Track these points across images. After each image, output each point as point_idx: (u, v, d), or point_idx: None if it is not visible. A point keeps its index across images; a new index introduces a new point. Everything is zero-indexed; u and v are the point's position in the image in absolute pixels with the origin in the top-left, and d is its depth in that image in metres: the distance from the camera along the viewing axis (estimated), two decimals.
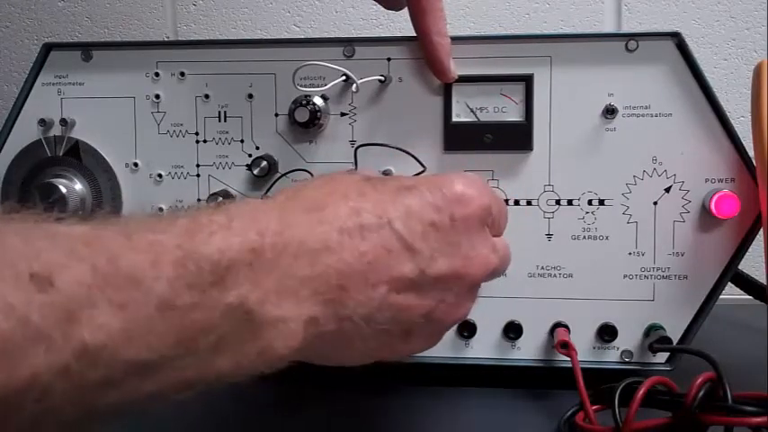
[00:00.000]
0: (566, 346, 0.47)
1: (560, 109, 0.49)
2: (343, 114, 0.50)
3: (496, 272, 0.38)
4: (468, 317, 0.49)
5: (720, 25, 0.79)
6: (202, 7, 0.84)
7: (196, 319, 0.27)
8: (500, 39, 0.49)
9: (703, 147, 0.48)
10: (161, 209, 0.52)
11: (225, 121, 0.51)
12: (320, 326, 0.31)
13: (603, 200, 0.49)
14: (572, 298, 0.50)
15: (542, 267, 0.50)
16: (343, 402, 0.49)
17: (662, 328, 0.49)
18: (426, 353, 0.50)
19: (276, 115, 0.51)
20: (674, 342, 0.49)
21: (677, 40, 0.48)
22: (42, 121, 0.52)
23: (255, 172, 0.50)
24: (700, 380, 0.38)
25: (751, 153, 0.47)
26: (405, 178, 0.36)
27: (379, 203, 0.33)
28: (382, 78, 0.49)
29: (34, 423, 0.24)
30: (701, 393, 0.37)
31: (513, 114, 0.49)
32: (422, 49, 0.48)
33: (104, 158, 0.52)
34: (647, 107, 0.48)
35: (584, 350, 0.50)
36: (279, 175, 0.50)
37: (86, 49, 0.52)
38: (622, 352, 0.50)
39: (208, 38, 0.84)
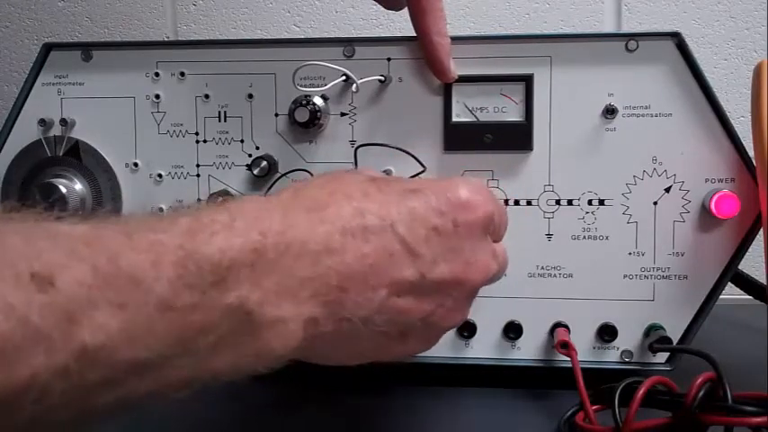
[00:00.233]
0: (566, 346, 0.47)
1: (560, 109, 0.49)
2: (343, 114, 0.50)
3: (495, 277, 0.39)
4: (468, 317, 0.49)
5: (720, 25, 0.79)
6: (202, 7, 0.84)
7: (196, 319, 0.27)
8: (500, 39, 0.49)
9: (703, 147, 0.48)
10: (161, 209, 0.52)
11: (225, 121, 0.51)
12: (319, 326, 0.31)
13: (603, 200, 0.49)
14: (572, 298, 0.50)
15: (542, 267, 0.50)
16: (343, 402, 0.49)
17: (662, 328, 0.49)
18: (427, 353, 0.50)
19: (276, 115, 0.51)
20: (674, 342, 0.49)
21: (677, 40, 0.48)
22: (42, 121, 0.52)
23: (255, 172, 0.50)
24: (700, 380, 0.38)
25: (751, 153, 0.47)
26: (410, 181, 0.36)
27: (384, 205, 0.33)
28: (382, 78, 0.49)
29: (33, 423, 0.24)
30: (701, 393, 0.37)
31: (513, 114, 0.49)
32: (422, 49, 0.48)
33: (104, 158, 0.52)
34: (647, 107, 0.48)
35: (584, 350, 0.50)
36: (279, 175, 0.50)
37: (86, 49, 0.52)
38: (622, 352, 0.50)
39: (208, 38, 0.84)
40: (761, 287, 0.56)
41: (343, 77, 0.48)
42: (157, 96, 0.51)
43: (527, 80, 0.48)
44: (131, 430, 0.34)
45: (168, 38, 0.85)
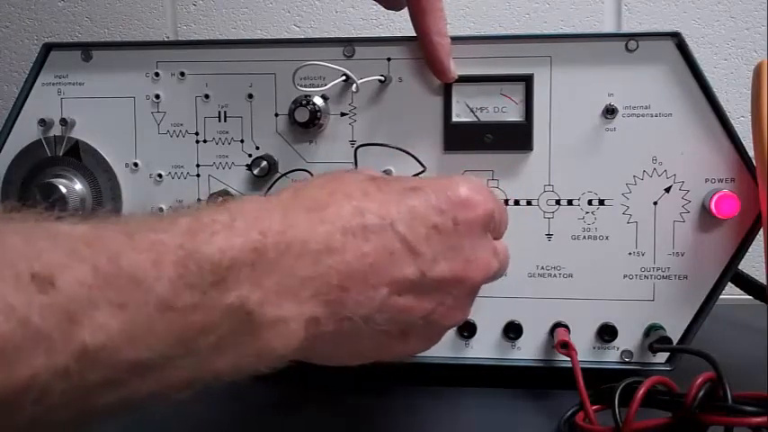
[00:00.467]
0: (566, 346, 0.47)
1: (560, 109, 0.49)
2: (343, 114, 0.50)
3: (496, 275, 0.38)
4: (469, 317, 0.49)
5: (720, 25, 0.79)
6: (202, 7, 0.84)
7: (196, 319, 0.27)
8: (500, 39, 0.49)
9: (703, 147, 0.48)
10: (161, 209, 0.52)
11: (225, 121, 0.51)
12: (320, 326, 0.31)
13: (603, 200, 0.49)
14: (572, 298, 0.50)
15: (542, 267, 0.50)
16: (343, 402, 0.49)
17: (662, 328, 0.49)
18: (427, 353, 0.50)
19: (276, 115, 0.51)
20: (674, 342, 0.49)
21: (677, 40, 0.48)
22: (42, 121, 0.52)
23: (255, 172, 0.50)
24: (700, 380, 0.38)
25: (751, 153, 0.47)
26: (409, 179, 0.36)
27: (383, 204, 0.33)
28: (382, 78, 0.49)
29: (33, 423, 0.23)
30: (701, 393, 0.37)
31: (513, 114, 0.49)
32: (422, 49, 0.48)
33: (104, 158, 0.52)
34: (647, 107, 0.48)
35: (584, 350, 0.50)
36: (279, 175, 0.50)
37: (86, 49, 0.52)
38: (622, 352, 0.50)
39: (208, 38, 0.84)
40: (761, 287, 0.56)
41: (343, 77, 0.48)
42: (157, 96, 0.51)
43: (527, 80, 0.48)
44: (132, 430, 0.34)
45: (168, 38, 0.85)
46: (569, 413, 0.43)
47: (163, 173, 0.52)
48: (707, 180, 0.48)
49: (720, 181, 0.48)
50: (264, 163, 0.50)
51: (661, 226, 0.49)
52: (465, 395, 0.50)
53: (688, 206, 0.48)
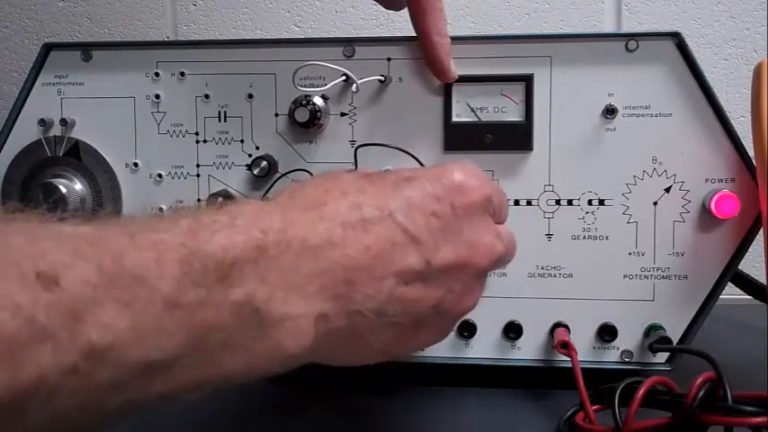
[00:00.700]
0: (566, 346, 0.47)
1: (560, 109, 0.49)
2: (343, 114, 0.50)
3: (502, 259, 0.38)
4: (468, 317, 0.49)
5: (720, 25, 0.79)
6: (202, 7, 0.84)
7: (203, 317, 0.27)
8: (500, 39, 0.49)
9: (703, 147, 0.48)
10: (161, 209, 0.52)
11: (225, 121, 0.51)
12: (330, 322, 0.31)
13: (603, 200, 0.49)
14: (572, 298, 0.50)
15: (542, 267, 0.50)
16: (344, 402, 0.49)
17: (662, 328, 0.49)
18: (426, 352, 0.50)
19: (276, 115, 0.51)
20: (674, 342, 0.49)
21: (677, 40, 0.48)
22: (42, 121, 0.52)
23: (255, 172, 0.50)
24: (700, 380, 0.38)
25: (751, 153, 0.47)
26: (403, 171, 0.36)
27: (380, 197, 0.33)
28: (382, 78, 0.49)
29: (43, 426, 0.23)
30: (701, 393, 0.37)
31: (513, 114, 0.49)
32: (422, 49, 0.48)
33: (104, 158, 0.52)
34: (647, 107, 0.48)
35: (584, 350, 0.50)
36: (279, 175, 0.50)
37: (86, 49, 0.52)
38: (622, 352, 0.50)
39: (208, 38, 0.84)
40: (761, 287, 0.56)
41: (343, 77, 0.48)
42: (157, 96, 0.51)
43: (527, 80, 0.48)
44: (134, 429, 0.34)
45: (168, 38, 0.85)
46: (569, 413, 0.43)
47: (163, 173, 0.52)
48: (707, 180, 0.48)
49: (720, 181, 0.48)
50: (264, 163, 0.50)
51: (661, 226, 0.49)
52: (465, 395, 0.50)
53: (688, 206, 0.48)
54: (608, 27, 0.80)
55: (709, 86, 0.47)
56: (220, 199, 0.50)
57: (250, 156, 0.51)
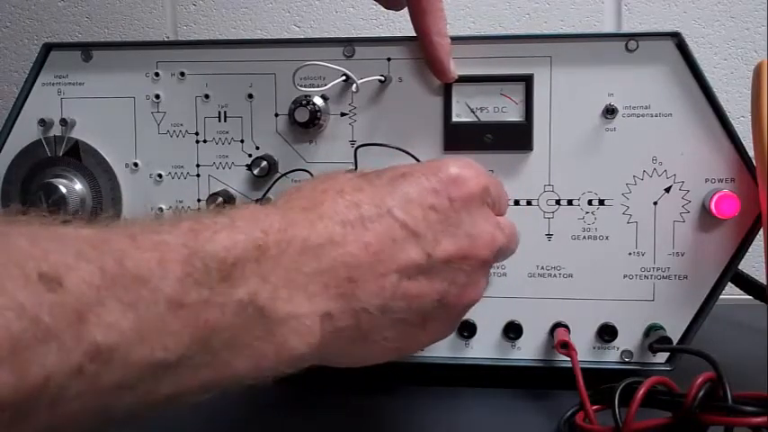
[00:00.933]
0: (566, 346, 0.47)
1: (560, 109, 0.49)
2: (343, 114, 0.50)
3: (504, 250, 0.38)
4: (468, 317, 0.49)
5: (720, 25, 0.79)
6: (202, 7, 0.84)
7: (207, 317, 0.27)
8: (500, 39, 0.49)
9: (703, 147, 0.48)
10: (161, 209, 0.52)
11: (225, 121, 0.51)
12: (336, 321, 0.31)
13: (603, 200, 0.49)
14: (572, 298, 0.50)
15: (542, 267, 0.50)
16: (344, 402, 0.49)
17: (662, 328, 0.49)
18: (426, 352, 0.50)
19: (276, 115, 0.51)
20: (674, 342, 0.49)
21: (677, 40, 0.48)
22: (42, 121, 0.52)
23: (255, 172, 0.50)
24: (700, 380, 0.38)
25: (751, 153, 0.47)
26: (399, 167, 0.36)
27: (377, 195, 0.33)
28: (382, 78, 0.49)
29: (51, 428, 0.23)
30: (701, 393, 0.37)
31: (513, 114, 0.49)
32: (422, 49, 0.48)
33: (104, 158, 0.52)
34: (647, 107, 0.48)
35: (584, 350, 0.50)
36: (279, 175, 0.50)
37: (86, 49, 0.52)
38: (622, 352, 0.50)
39: (208, 38, 0.84)
40: (761, 287, 0.56)
41: (343, 77, 0.48)
42: (157, 96, 0.51)
43: (527, 80, 0.48)
44: (133, 428, 0.34)
45: (168, 38, 0.85)
46: (569, 413, 0.43)
47: (163, 173, 0.52)
48: (707, 180, 0.48)
49: (720, 181, 0.48)
50: (264, 163, 0.50)
51: (661, 226, 0.49)
52: (465, 395, 0.50)
53: (688, 206, 0.48)
54: (608, 27, 0.80)
55: (709, 86, 0.47)
56: (220, 199, 0.50)
57: (250, 156, 0.51)
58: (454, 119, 0.49)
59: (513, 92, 0.49)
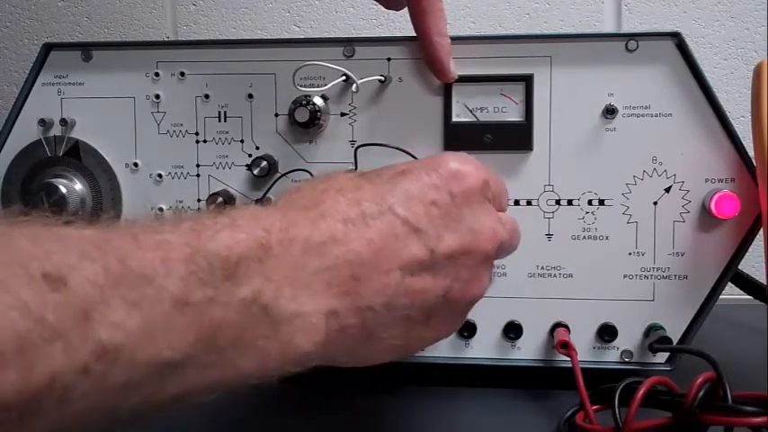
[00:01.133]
0: (566, 346, 0.47)
1: (560, 109, 0.49)
2: (343, 114, 0.50)
3: (506, 245, 0.38)
4: (468, 317, 0.49)
5: (720, 25, 0.79)
6: (202, 7, 0.84)
7: (212, 315, 0.27)
8: (500, 39, 0.49)
9: (703, 147, 0.48)
10: (161, 209, 0.52)
11: (225, 121, 0.51)
12: (341, 319, 0.31)
13: (603, 200, 0.49)
14: (572, 298, 0.50)
15: (542, 267, 0.50)
16: (344, 402, 0.49)
17: (662, 328, 0.49)
18: (426, 352, 0.50)
19: (276, 115, 0.51)
20: (674, 342, 0.49)
21: (677, 40, 0.48)
22: (42, 121, 0.52)
23: (255, 172, 0.50)
24: (700, 380, 0.38)
25: (751, 153, 0.47)
26: (398, 165, 0.36)
27: (378, 192, 0.34)
28: (382, 78, 0.49)
29: (55, 430, 0.23)
30: (701, 393, 0.37)
31: (513, 114, 0.49)
32: (422, 49, 0.48)
33: (104, 158, 0.52)
34: (647, 107, 0.48)
35: (584, 350, 0.50)
36: (279, 175, 0.50)
37: (86, 49, 0.52)
38: (622, 352, 0.50)
39: (208, 38, 0.84)
40: (761, 287, 0.56)
41: (343, 77, 0.48)
42: (157, 96, 0.51)
43: (527, 80, 0.48)
44: (138, 428, 0.34)
45: (168, 38, 0.85)
46: (569, 413, 0.43)
47: (163, 173, 0.52)
48: (707, 180, 0.48)
49: (720, 181, 0.48)
50: (264, 163, 0.50)
51: (661, 226, 0.49)
52: (465, 395, 0.50)
53: (688, 206, 0.48)
54: (608, 27, 0.80)
55: (709, 86, 0.47)
56: (220, 199, 0.50)
57: (250, 156, 0.51)
58: (454, 119, 0.49)
59: (513, 92, 0.49)
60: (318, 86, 0.48)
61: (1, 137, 0.52)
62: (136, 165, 0.52)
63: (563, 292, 0.50)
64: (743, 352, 0.55)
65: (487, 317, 0.50)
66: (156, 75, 0.51)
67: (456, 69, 0.48)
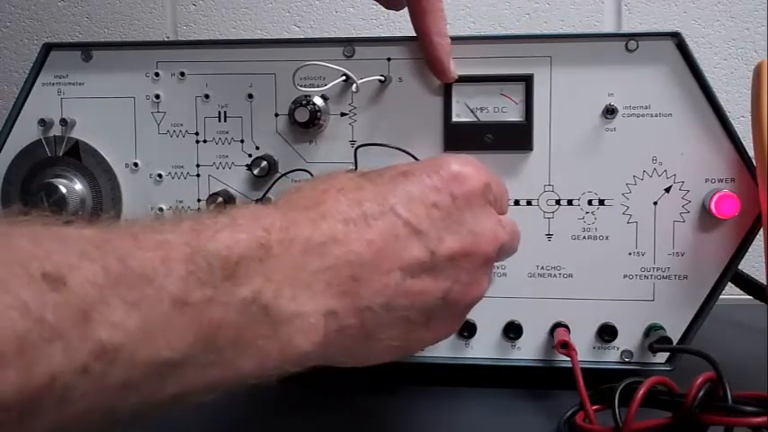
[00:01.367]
0: (566, 346, 0.47)
1: (560, 109, 0.49)
2: (343, 114, 0.50)
3: (506, 248, 0.38)
4: (468, 317, 0.49)
5: (720, 25, 0.79)
6: (202, 7, 0.84)
7: (212, 315, 0.27)
8: (500, 39, 0.49)
9: (703, 147, 0.48)
10: (161, 209, 0.52)
11: (225, 121, 0.51)
12: (340, 319, 0.31)
13: (603, 200, 0.49)
14: (572, 298, 0.50)
15: (542, 267, 0.50)
16: (343, 402, 0.49)
17: (662, 328, 0.49)
18: (426, 352, 0.50)
19: (276, 115, 0.51)
20: (674, 342, 0.49)
21: (677, 40, 0.48)
22: (42, 121, 0.52)
23: (255, 172, 0.50)
24: (700, 380, 0.38)
25: (751, 153, 0.47)
26: (399, 166, 0.36)
27: (379, 193, 0.33)
28: (382, 78, 0.49)
29: (55, 429, 0.23)
30: (701, 393, 0.37)
31: (513, 114, 0.49)
32: (422, 49, 0.48)
33: (104, 158, 0.52)
34: (647, 107, 0.48)
35: (584, 350, 0.50)
36: (279, 175, 0.50)
37: (86, 49, 0.52)
38: (622, 352, 0.50)
39: (208, 38, 0.84)
40: (761, 287, 0.56)
41: (343, 77, 0.48)
42: (157, 96, 0.51)
43: (527, 80, 0.48)
44: (137, 428, 0.34)
45: (168, 38, 0.85)
46: (569, 413, 0.43)
47: (163, 173, 0.52)
48: (707, 180, 0.48)
49: (720, 181, 0.48)
50: (264, 163, 0.50)
51: (661, 226, 0.49)
52: (465, 395, 0.50)
53: (688, 206, 0.48)
54: (608, 27, 0.80)
55: (709, 86, 0.47)
56: (220, 199, 0.50)
57: (250, 156, 0.51)
58: (454, 119, 0.49)
59: (513, 92, 0.49)
60: (318, 86, 0.48)
61: (1, 137, 0.52)
62: (136, 165, 0.52)
63: (563, 292, 0.50)
64: (743, 352, 0.55)
65: (487, 317, 0.50)
66: (156, 75, 0.51)
67: (456, 69, 0.48)
